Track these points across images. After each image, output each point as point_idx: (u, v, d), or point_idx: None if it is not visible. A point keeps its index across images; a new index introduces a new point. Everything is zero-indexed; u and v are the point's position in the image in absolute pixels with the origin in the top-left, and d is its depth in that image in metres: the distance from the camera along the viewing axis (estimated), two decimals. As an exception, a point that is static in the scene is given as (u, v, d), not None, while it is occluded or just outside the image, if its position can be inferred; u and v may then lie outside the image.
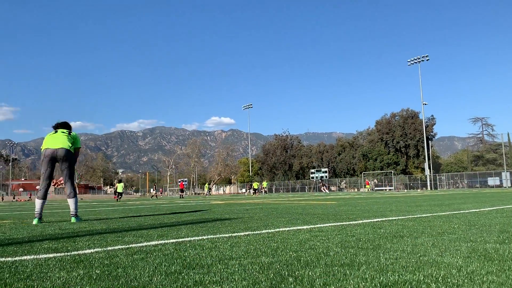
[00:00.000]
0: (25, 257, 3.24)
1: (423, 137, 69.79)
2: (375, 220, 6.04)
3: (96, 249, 3.59)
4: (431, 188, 61.59)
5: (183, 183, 47.18)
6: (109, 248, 3.67)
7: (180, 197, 37.47)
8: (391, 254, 3.05)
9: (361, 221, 5.84)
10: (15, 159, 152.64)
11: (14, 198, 67.61)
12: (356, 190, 72.88)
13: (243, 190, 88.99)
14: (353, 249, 3.31)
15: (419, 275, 2.35)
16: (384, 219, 6.20)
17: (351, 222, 5.71)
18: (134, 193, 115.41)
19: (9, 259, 3.19)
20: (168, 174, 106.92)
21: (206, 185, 60.06)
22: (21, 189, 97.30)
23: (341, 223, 5.58)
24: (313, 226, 5.29)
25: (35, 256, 3.28)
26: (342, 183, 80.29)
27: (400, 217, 6.43)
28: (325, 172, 75.28)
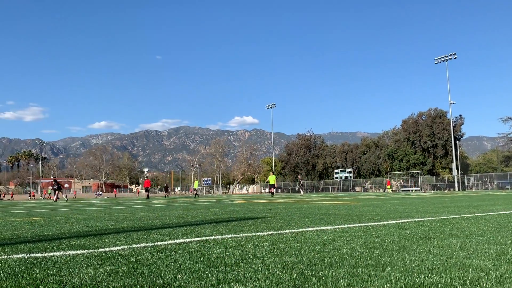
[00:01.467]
0: (54, 253, 3.33)
1: (451, 137, 68.31)
2: (400, 221, 5.95)
3: (122, 247, 3.66)
4: (458, 189, 60.21)
5: (149, 180, 40.75)
6: (135, 245, 3.74)
7: (146, 198, 32.32)
8: (417, 256, 3.00)
9: (386, 222, 5.76)
10: (45, 158, 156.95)
11: (42, 196, 69.41)
12: (381, 190, 71.86)
13: (267, 190, 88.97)
14: (378, 250, 3.27)
15: (445, 278, 2.31)
16: (410, 220, 6.10)
17: (376, 223, 5.64)
18: (159, 192, 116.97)
19: (39, 255, 3.28)
20: (193, 173, 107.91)
21: (196, 182, 42.22)
22: (50, 187, 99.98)
23: (366, 224, 5.52)
24: (337, 226, 5.25)
25: (63, 253, 3.36)
26: (367, 183, 79.31)
27: (426, 219, 6.31)
28: (350, 172, 74.51)
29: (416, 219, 6.19)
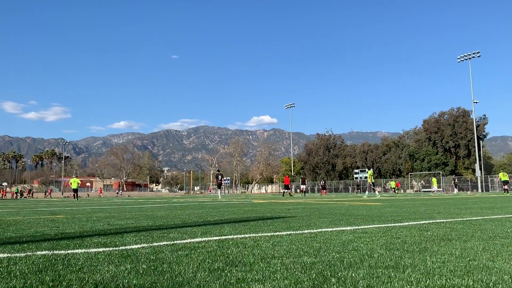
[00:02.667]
0: (76, 251, 3.40)
1: (474, 137, 66.92)
2: (421, 222, 5.86)
3: (142, 245, 3.71)
4: (482, 190, 58.95)
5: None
6: (155, 244, 3.78)
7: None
8: (438, 258, 2.95)
9: (407, 223, 5.69)
10: (67, 157, 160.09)
11: (63, 194, 70.77)
12: (402, 191, 70.96)
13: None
14: (398, 252, 3.23)
15: (468, 280, 2.26)
16: (431, 221, 6.00)
17: (396, 224, 5.58)
18: (179, 191, 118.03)
19: (62, 252, 3.35)
20: (211, 172, 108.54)
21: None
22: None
23: (386, 225, 5.46)
24: (356, 227, 5.21)
25: (86, 250, 3.43)
26: (387, 184, 78.35)
27: (448, 220, 6.20)
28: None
29: (438, 220, 6.09)
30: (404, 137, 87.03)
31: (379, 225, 5.41)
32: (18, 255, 3.21)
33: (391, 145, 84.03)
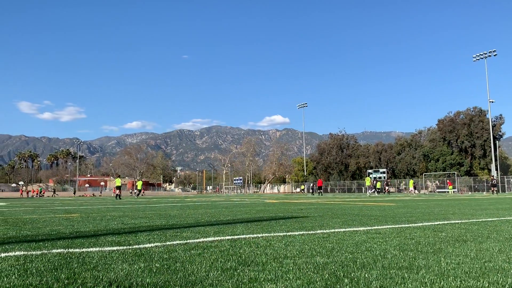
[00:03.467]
0: (91, 249, 3.44)
1: (490, 136, 65.92)
2: (436, 223, 5.80)
3: (155, 244, 3.74)
4: (498, 191, 58.04)
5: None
6: (168, 243, 3.81)
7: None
8: (453, 259, 2.91)
9: (421, 224, 5.63)
10: (82, 156, 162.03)
11: (74, 193, 71.64)
12: (416, 192, 70.27)
13: (298, 190, 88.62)
14: (412, 252, 3.20)
15: (483, 282, 2.23)
16: (446, 222, 5.93)
17: (410, 225, 5.53)
18: (192, 191, 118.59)
19: (77, 250, 3.40)
20: (224, 172, 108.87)
21: (139, 182, 36.55)
22: (87, 185, 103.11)
23: (400, 226, 5.42)
24: (370, 227, 5.17)
25: (100, 249, 3.47)
26: (401, 184, 77.66)
27: (463, 221, 6.12)
28: (383, 172, 73.18)
29: (453, 221, 6.02)
30: (418, 137, 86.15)
31: (393, 226, 5.37)
32: (34, 253, 3.26)
33: (405, 145, 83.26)
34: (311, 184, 44.58)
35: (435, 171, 73.42)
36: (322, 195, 37.05)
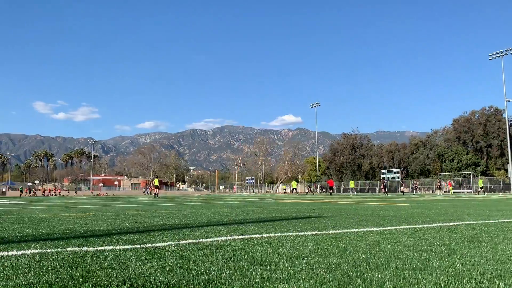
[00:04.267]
0: (105, 248, 3.48)
1: (507, 136, 64.86)
2: (451, 223, 5.73)
3: (169, 243, 3.76)
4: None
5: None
6: (181, 242, 3.83)
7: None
8: (468, 260, 2.88)
9: (435, 225, 5.57)
10: (96, 156, 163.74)
11: (92, 192, 72.48)
12: (430, 192, 69.52)
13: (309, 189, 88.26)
14: (426, 253, 3.17)
15: (499, 284, 2.20)
16: (460, 223, 5.86)
17: (424, 225, 5.47)
18: (204, 190, 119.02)
19: (91, 248, 3.43)
20: (237, 172, 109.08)
21: (156, 180, 34.79)
22: (101, 184, 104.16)
23: (414, 226, 5.36)
24: (383, 228, 5.13)
25: (114, 247, 3.50)
26: (414, 184, 76.84)
27: (478, 222, 6.04)
28: (397, 172, 72.53)
29: (468, 222, 5.94)
30: (433, 137, 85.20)
31: (407, 226, 5.32)
32: (49, 251, 3.31)
33: (419, 144, 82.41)
34: (309, 183, 46.51)
35: (449, 171, 72.55)
36: (331, 195, 37.51)
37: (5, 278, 2.30)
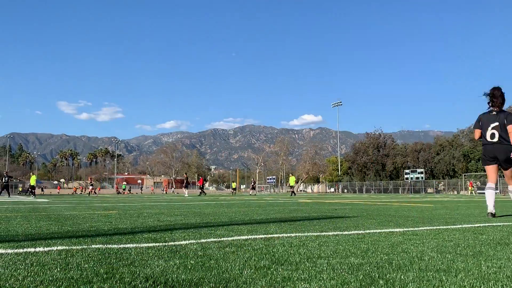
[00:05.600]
0: (128, 245, 3.53)
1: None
2: (476, 225, 5.60)
3: (190, 241, 3.80)
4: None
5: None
6: (203, 240, 3.86)
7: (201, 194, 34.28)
8: (494, 262, 2.81)
9: (460, 226, 5.46)
10: (120, 155, 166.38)
11: (117, 191, 73.55)
12: (455, 192, 68.10)
13: (332, 190, 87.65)
14: (451, 255, 3.11)
15: (527, 287, 2.14)
16: (487, 224, 5.72)
17: (448, 226, 5.37)
18: (225, 189, 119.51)
19: (115, 246, 3.49)
20: (257, 171, 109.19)
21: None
22: (124, 183, 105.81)
23: (438, 227, 5.27)
24: (406, 229, 5.06)
25: (137, 245, 3.55)
26: (440, 185, 75.39)
27: (506, 223, 5.89)
28: (421, 173, 71.30)
29: (494, 224, 5.79)
30: (458, 136, 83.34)
31: (430, 227, 5.23)
32: (75, 247, 3.38)
33: (445, 144, 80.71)
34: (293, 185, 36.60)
35: (476, 172, 70.86)
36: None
37: (32, 274, 2.37)
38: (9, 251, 3.24)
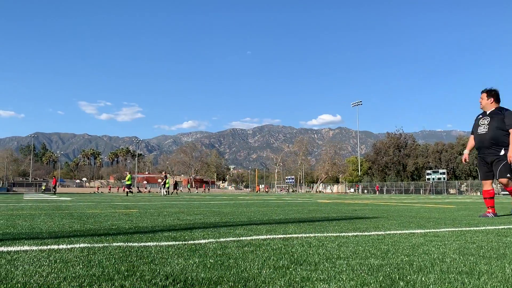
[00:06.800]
0: (148, 244, 3.58)
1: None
2: (500, 227, 5.47)
3: (210, 240, 3.82)
4: None
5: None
6: (222, 239, 3.88)
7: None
8: (519, 266, 2.74)
9: (483, 228, 5.34)
10: (140, 154, 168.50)
11: (139, 190, 74.56)
12: (479, 194, 66.67)
13: (352, 190, 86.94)
14: (473, 257, 3.05)
15: (553, 291, 2.09)
16: (511, 226, 5.59)
17: (471, 228, 5.26)
18: (244, 189, 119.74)
19: (136, 244, 3.54)
20: (276, 171, 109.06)
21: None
22: (145, 182, 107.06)
23: (460, 229, 5.17)
24: (427, 230, 4.98)
25: (157, 243, 3.60)
26: (462, 186, 73.95)
27: (531, 226, 5.73)
28: (443, 173, 70.06)
29: (519, 226, 5.65)
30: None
31: (453, 229, 5.13)
32: (96, 245, 3.44)
33: (467, 144, 79.04)
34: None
35: (499, 172, 69.09)
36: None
37: (56, 270, 2.42)
38: (34, 248, 3.32)
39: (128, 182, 30.41)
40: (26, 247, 3.34)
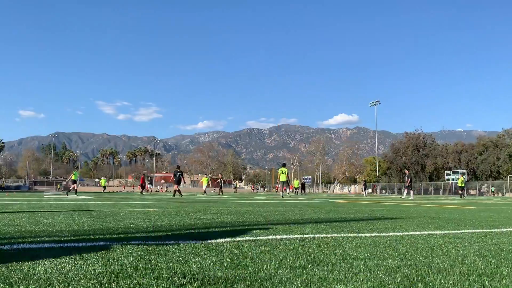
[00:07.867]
0: (166, 242, 3.61)
1: None
2: (522, 229, 5.35)
3: (226, 239, 3.84)
4: None
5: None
6: (238, 238, 3.89)
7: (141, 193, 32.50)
8: (542, 269, 2.68)
9: (504, 229, 5.24)
10: (158, 154, 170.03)
11: (157, 190, 75.33)
12: (500, 195, 65.33)
13: (369, 190, 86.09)
14: (494, 259, 2.99)
15: None
16: (534, 228, 5.46)
17: (492, 230, 5.16)
18: (261, 188, 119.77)
19: (154, 242, 3.58)
20: (293, 171, 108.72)
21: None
22: (162, 181, 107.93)
23: (480, 230, 5.08)
24: (447, 231, 4.91)
25: (175, 242, 3.63)
26: (483, 186, 72.50)
27: (554, 228, 5.59)
28: (463, 174, 68.83)
29: (542, 228, 5.52)
30: (503, 136, 79.82)
31: (473, 230, 5.05)
32: (115, 243, 3.49)
33: (489, 144, 77.52)
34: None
35: (523, 173, 67.67)
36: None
37: (76, 267, 2.47)
38: (54, 245, 3.39)
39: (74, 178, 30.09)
40: (47, 245, 3.41)
